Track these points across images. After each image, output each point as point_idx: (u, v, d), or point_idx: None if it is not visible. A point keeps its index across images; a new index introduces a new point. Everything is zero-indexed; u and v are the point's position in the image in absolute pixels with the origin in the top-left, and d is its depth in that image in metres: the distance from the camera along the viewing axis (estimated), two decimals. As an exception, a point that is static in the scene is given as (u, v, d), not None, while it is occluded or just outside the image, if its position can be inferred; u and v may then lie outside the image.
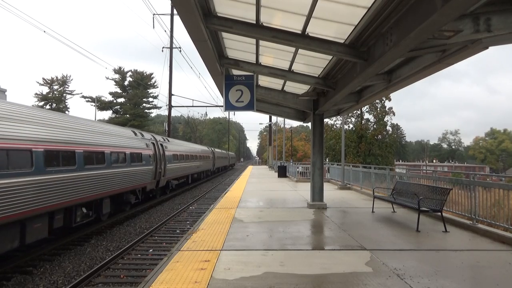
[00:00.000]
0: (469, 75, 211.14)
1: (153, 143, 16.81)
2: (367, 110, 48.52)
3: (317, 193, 10.86)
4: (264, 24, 6.14)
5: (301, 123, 16.82)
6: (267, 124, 57.17)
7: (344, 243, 6.43)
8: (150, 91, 63.12)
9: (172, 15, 29.74)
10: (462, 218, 7.98)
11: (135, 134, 15.09)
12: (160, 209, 15.77)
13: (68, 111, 58.32)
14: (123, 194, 13.28)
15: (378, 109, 48.31)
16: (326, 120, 24.74)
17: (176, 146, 22.12)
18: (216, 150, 46.65)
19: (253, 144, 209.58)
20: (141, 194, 15.33)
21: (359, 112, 48.28)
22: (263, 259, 5.45)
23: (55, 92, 59.51)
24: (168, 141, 20.72)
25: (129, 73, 62.28)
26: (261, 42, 7.17)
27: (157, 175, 16.89)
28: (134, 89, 60.70)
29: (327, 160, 37.22)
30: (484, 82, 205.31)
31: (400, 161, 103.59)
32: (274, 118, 48.07)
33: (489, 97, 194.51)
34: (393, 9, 4.70)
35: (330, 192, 14.77)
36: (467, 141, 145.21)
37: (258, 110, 13.84)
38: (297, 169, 22.90)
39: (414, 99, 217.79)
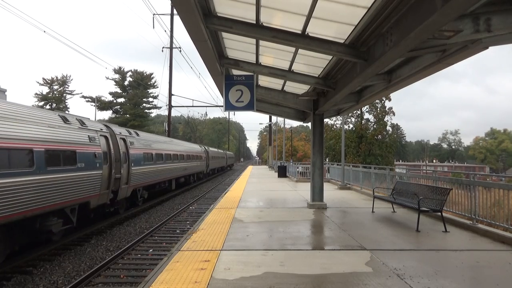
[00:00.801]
0: (468, 75, 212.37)
1: (105, 137, 11.72)
2: (367, 110, 48.56)
3: (317, 193, 10.86)
4: (264, 24, 6.14)
5: (301, 123, 16.82)
6: (267, 124, 57.26)
7: (344, 243, 6.43)
8: (150, 91, 63.12)
9: (172, 15, 29.77)
10: (462, 218, 7.98)
11: (66, 120, 9.70)
12: (160, 209, 15.77)
13: (68, 111, 58.30)
14: (35, 219, 8.12)
15: (378, 109, 48.33)
16: (326, 120, 24.75)
17: (149, 142, 16.86)
18: (211, 149, 41.28)
19: (253, 144, 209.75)
20: (84, 213, 10.49)
21: (359, 112, 48.30)
22: (263, 259, 5.45)
23: (55, 92, 59.46)
24: (138, 135, 15.64)
25: (129, 73, 62.30)
26: (261, 42, 7.17)
27: (112, 183, 11.79)
28: (134, 89, 60.68)
29: (327, 160, 37.23)
30: (482, 82, 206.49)
31: (400, 161, 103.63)
32: (274, 118, 48.15)
33: (488, 98, 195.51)
34: (393, 9, 4.70)
35: (330, 192, 14.77)
36: (467, 141, 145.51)
37: (258, 110, 13.84)
38: (297, 169, 22.91)
39: (414, 99, 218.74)
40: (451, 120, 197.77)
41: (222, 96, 9.31)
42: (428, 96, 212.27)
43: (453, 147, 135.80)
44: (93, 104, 51.45)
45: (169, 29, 30.15)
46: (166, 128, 31.33)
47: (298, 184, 19.40)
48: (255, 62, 8.60)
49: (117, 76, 60.88)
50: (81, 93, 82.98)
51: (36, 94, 57.37)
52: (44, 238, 8.81)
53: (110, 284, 6.72)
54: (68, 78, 60.75)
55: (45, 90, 58.84)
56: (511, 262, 5.28)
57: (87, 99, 59.17)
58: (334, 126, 49.27)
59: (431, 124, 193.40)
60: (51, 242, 9.13)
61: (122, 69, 61.15)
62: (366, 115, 49.77)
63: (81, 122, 10.76)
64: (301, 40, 6.19)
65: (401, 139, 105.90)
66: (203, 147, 34.33)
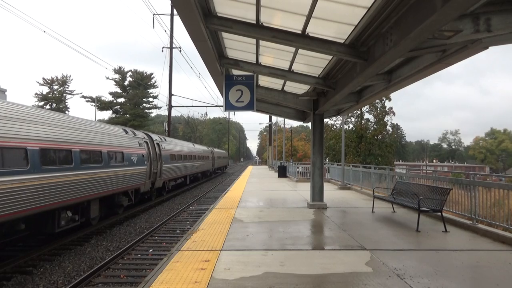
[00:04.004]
0: (462, 76, 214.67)
1: None
2: (367, 110, 48.49)
3: (317, 193, 10.85)
4: (264, 24, 6.14)
5: (301, 123, 16.81)
6: (267, 124, 57.22)
7: (344, 243, 6.43)
8: (150, 91, 63.08)
9: (172, 15, 29.76)
10: (462, 218, 7.97)
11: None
12: (160, 209, 15.77)
13: (68, 111, 58.37)
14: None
15: (378, 109, 48.29)
16: (326, 120, 24.74)
17: None
18: (175, 141, 24.02)
19: (253, 144, 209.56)
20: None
21: (359, 112, 48.24)
22: (263, 259, 5.45)
23: (55, 92, 59.43)
24: None
25: (129, 73, 62.25)
26: (261, 42, 7.17)
27: None
28: (134, 89, 60.60)
29: (327, 160, 37.22)
30: (476, 83, 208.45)
31: (400, 161, 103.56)
32: (274, 118, 48.13)
33: (482, 98, 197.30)
34: (393, 9, 4.70)
35: (330, 192, 14.77)
36: (465, 141, 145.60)
37: (258, 110, 13.84)
38: (297, 169, 22.90)
39: (410, 100, 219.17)
40: (448, 120, 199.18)
41: (222, 96, 9.30)
42: (424, 97, 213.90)
43: (453, 147, 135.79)
44: (93, 104, 51.42)
45: (169, 29, 30.17)
46: (166, 128, 31.31)
47: (298, 184, 19.39)
48: (255, 62, 8.60)
49: (117, 76, 60.83)
50: (81, 93, 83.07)
51: (36, 94, 57.45)
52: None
53: (110, 284, 6.73)
54: (68, 78, 60.79)
55: (45, 90, 58.91)
56: (511, 262, 5.28)
57: (87, 99, 59.17)
58: (334, 126, 49.21)
59: (429, 125, 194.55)
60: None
61: (122, 69, 61.13)
62: (366, 115, 49.75)
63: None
64: (301, 40, 6.18)
65: (401, 139, 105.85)
66: (145, 136, 16.69)
